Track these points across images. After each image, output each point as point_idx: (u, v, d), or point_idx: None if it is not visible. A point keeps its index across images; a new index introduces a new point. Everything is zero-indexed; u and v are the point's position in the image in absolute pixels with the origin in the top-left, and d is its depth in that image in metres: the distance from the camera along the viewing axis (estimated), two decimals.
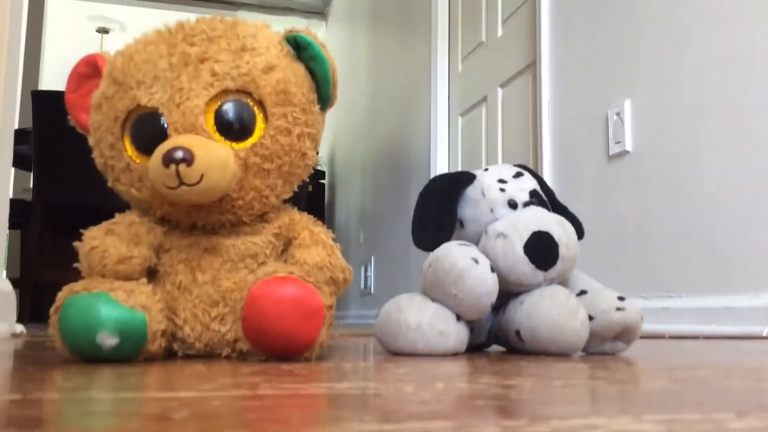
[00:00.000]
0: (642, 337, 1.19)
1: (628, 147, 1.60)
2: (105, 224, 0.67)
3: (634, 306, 0.75)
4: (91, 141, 0.70)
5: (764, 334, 1.21)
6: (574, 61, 1.84)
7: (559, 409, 0.31)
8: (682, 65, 1.46)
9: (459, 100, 2.62)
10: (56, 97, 2.50)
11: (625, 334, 0.75)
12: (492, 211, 0.77)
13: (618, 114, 1.64)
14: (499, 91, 2.29)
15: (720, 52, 1.37)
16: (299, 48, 0.69)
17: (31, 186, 2.66)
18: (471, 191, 0.79)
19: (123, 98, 0.65)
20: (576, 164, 1.82)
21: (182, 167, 0.59)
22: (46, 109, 2.56)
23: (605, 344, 0.76)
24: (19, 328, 1.29)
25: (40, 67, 4.49)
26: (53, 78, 4.59)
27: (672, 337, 1.28)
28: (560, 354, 0.72)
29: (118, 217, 0.69)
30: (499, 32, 2.29)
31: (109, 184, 0.70)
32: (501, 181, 0.79)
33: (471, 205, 0.79)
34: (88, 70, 0.70)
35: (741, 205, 1.30)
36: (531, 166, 1.72)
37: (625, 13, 1.64)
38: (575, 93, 1.83)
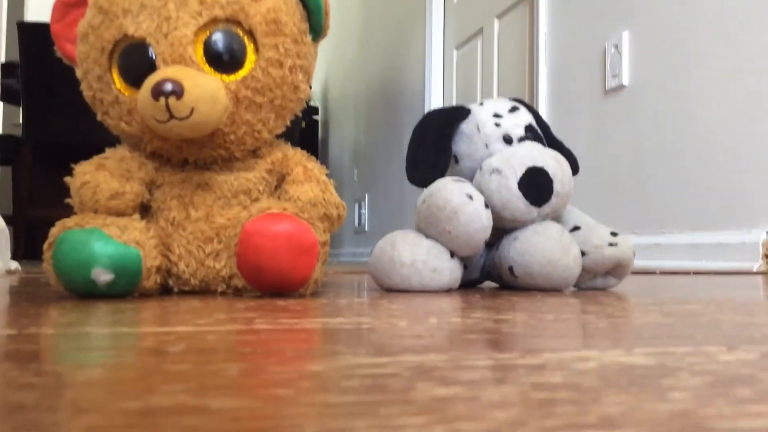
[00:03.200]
0: (634, 273, 1.20)
1: (625, 81, 1.58)
2: (96, 159, 0.66)
3: (626, 242, 0.75)
4: (78, 73, 0.68)
5: (755, 269, 1.23)
6: None
7: (551, 342, 0.32)
8: None
9: (454, 33, 2.57)
10: (43, 28, 2.44)
11: (617, 270, 0.76)
12: (487, 146, 0.77)
13: (616, 46, 1.61)
14: (496, 23, 2.24)
15: None
16: None
17: (21, 121, 2.62)
18: (466, 126, 0.79)
19: (109, 28, 0.63)
20: (572, 99, 1.80)
21: (172, 100, 0.58)
22: (33, 42, 2.50)
23: (597, 280, 0.77)
24: (14, 264, 1.29)
25: None
26: (39, 8, 4.47)
27: (663, 273, 1.29)
28: (553, 289, 0.72)
29: (108, 151, 0.68)
30: None
31: (99, 117, 0.68)
32: (496, 115, 0.78)
33: (466, 141, 0.78)
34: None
35: (734, 143, 1.30)
36: (527, 101, 1.69)
37: None
38: (573, 25, 1.80)
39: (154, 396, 0.19)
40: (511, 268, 0.73)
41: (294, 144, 0.75)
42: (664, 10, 1.48)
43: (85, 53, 0.66)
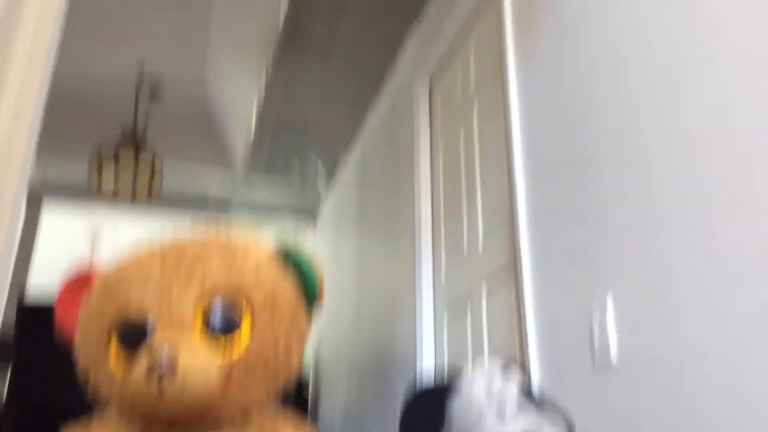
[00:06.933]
0: None
1: (614, 358, 1.60)
2: (83, 425, 0.66)
3: None
4: (76, 351, 0.70)
5: None
6: (555, 260, 1.89)
7: None
8: (660, 267, 1.50)
9: (444, 301, 2.65)
10: (42, 312, 2.49)
11: None
12: (480, 419, 0.76)
13: (600, 320, 1.66)
14: (484, 292, 2.33)
15: (695, 252, 1.41)
16: (289, 259, 0.72)
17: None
18: (457, 403, 0.78)
19: (111, 306, 0.66)
20: (562, 372, 1.80)
21: (164, 382, 0.59)
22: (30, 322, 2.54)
23: None
24: None
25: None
26: (42, 275, 4.58)
27: None
28: None
29: (95, 422, 0.67)
30: (480, 248, 2.38)
31: (90, 393, 0.69)
32: (488, 389, 0.78)
33: (458, 419, 0.77)
34: (79, 284, 0.72)
35: (732, 412, 1.28)
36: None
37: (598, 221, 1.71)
38: (557, 294, 1.86)
39: None
40: None
41: (286, 408, 0.74)
42: (645, 274, 1.55)
43: (85, 336, 0.68)
